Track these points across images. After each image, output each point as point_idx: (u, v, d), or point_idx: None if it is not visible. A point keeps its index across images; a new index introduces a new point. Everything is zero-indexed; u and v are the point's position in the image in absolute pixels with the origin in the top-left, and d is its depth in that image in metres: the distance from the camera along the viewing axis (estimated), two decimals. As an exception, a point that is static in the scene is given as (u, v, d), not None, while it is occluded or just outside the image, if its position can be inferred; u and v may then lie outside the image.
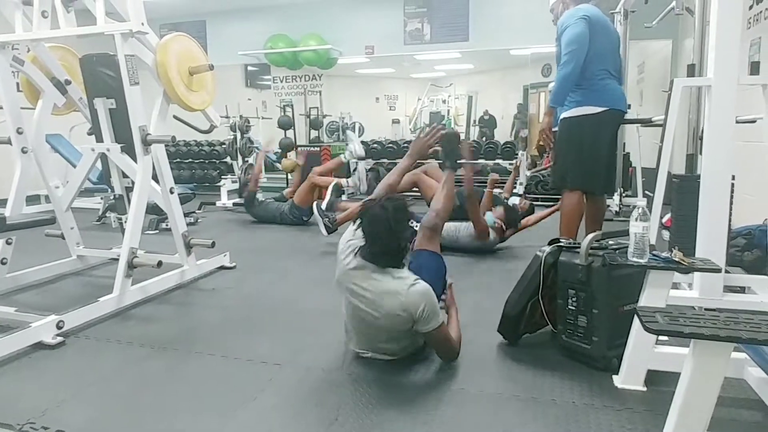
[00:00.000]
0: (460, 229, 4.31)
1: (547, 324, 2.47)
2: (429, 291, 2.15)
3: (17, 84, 3.62)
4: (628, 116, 3.88)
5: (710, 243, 2.47)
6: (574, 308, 2.27)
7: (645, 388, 2.07)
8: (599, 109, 3.31)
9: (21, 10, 3.25)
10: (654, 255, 1.98)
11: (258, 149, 8.25)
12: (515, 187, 6.65)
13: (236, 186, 7.56)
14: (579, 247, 2.25)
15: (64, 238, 3.79)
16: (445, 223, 4.33)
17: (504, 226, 4.33)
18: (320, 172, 5.69)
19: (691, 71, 3.18)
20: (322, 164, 6.22)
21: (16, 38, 3.24)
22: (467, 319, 2.87)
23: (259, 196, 6.09)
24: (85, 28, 3.17)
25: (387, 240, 2.14)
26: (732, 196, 2.57)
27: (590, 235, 2.23)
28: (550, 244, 2.42)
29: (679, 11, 3.97)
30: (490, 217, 4.30)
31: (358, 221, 2.22)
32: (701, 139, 3.02)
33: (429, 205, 5.53)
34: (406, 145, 8.18)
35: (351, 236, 2.29)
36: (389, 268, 2.18)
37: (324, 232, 4.56)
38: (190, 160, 8.85)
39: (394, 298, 2.11)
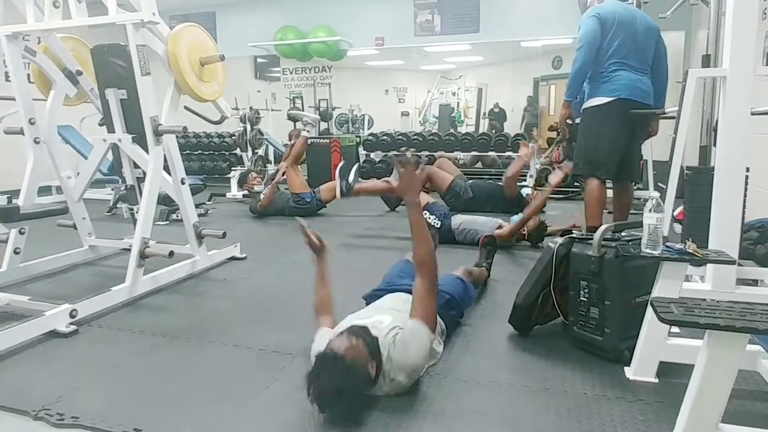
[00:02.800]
0: (477, 229, 4.24)
1: (559, 315, 2.47)
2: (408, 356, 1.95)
3: (28, 75, 3.63)
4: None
5: (723, 235, 2.45)
6: (586, 300, 2.26)
7: (657, 380, 2.06)
8: (607, 100, 3.51)
9: (33, 1, 3.25)
10: (667, 247, 1.97)
11: (267, 141, 8.25)
12: (523, 179, 6.63)
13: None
14: (591, 239, 2.24)
15: (76, 229, 3.82)
16: (463, 218, 4.32)
17: (525, 236, 4.20)
18: (293, 156, 5.71)
19: (706, 62, 3.15)
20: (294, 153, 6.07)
21: (27, 28, 3.26)
22: (478, 312, 2.88)
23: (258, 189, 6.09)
24: (96, 18, 3.18)
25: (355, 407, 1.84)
26: (746, 189, 2.55)
27: (603, 227, 2.22)
28: (562, 235, 2.41)
29: (694, 1, 3.92)
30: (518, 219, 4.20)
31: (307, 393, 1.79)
32: (715, 130, 3.00)
33: (442, 198, 5.55)
34: (415, 137, 8.15)
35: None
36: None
37: (337, 193, 4.72)
38: (200, 151, 8.87)
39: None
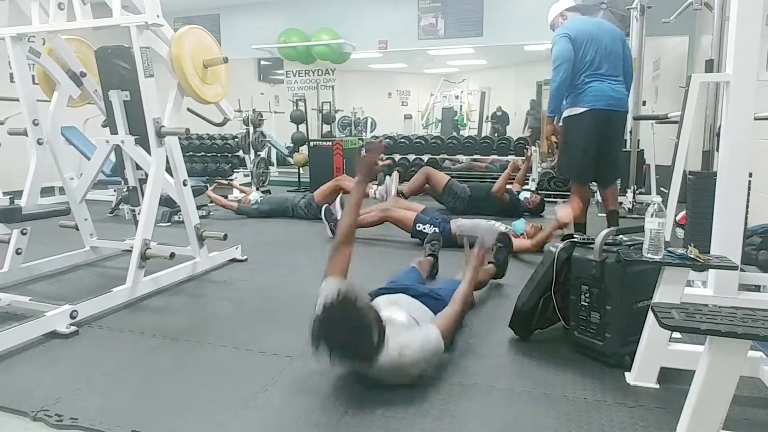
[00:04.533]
0: (479, 237, 4.25)
1: (560, 320, 2.46)
2: (420, 347, 2.02)
3: (33, 76, 3.64)
4: (643, 112, 4.16)
5: (726, 241, 2.44)
6: (587, 304, 2.25)
7: (658, 386, 2.05)
8: (581, 110, 3.80)
9: (38, 2, 3.25)
10: (669, 252, 1.97)
11: (270, 143, 8.25)
12: (527, 182, 6.64)
13: (248, 179, 7.60)
14: (593, 243, 2.23)
15: (77, 230, 3.82)
16: (462, 222, 4.31)
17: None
18: (345, 187, 5.61)
19: (710, 67, 3.15)
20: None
21: (32, 30, 3.26)
22: (479, 316, 2.87)
23: (253, 197, 6.07)
24: (101, 20, 3.19)
25: (357, 353, 1.92)
26: (749, 194, 2.54)
27: (604, 231, 2.21)
28: (563, 239, 2.40)
29: (698, 6, 3.93)
30: (522, 224, 4.29)
31: (313, 340, 1.88)
32: (718, 135, 3.00)
33: (438, 200, 5.52)
34: (418, 140, 8.16)
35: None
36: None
37: (329, 233, 4.71)
38: (203, 153, 8.87)
39: (395, 370, 2.00)
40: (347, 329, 1.84)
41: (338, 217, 4.70)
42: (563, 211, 3.86)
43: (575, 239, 2.37)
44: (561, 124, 4.00)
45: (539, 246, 3.88)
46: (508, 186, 5.64)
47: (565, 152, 4.02)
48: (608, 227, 2.29)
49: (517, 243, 3.96)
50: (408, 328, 2.10)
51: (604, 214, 4.36)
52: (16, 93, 3.38)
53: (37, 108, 3.44)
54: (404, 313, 2.16)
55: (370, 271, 3.60)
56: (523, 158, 6.56)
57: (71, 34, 3.62)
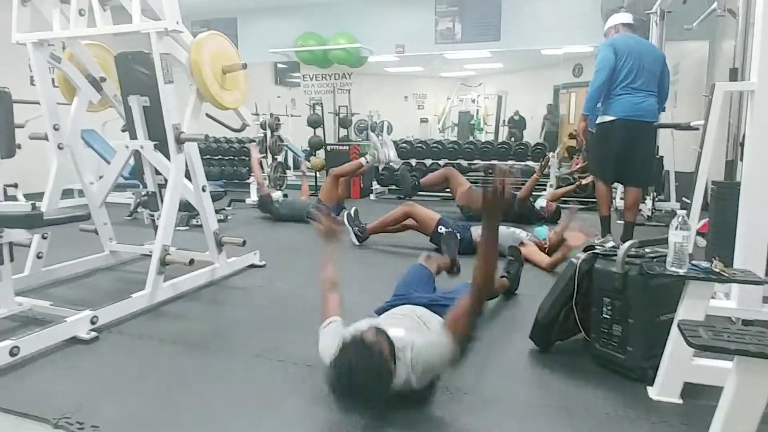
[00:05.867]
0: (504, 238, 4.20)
1: (580, 332, 2.43)
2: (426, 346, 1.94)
3: (53, 79, 3.67)
4: (663, 118, 4.64)
5: (749, 252, 2.41)
6: (608, 317, 2.22)
7: (681, 401, 2.02)
8: (611, 118, 4.21)
9: (59, 9, 3.30)
10: (693, 265, 1.93)
11: (288, 147, 8.29)
12: (544, 189, 6.61)
13: (266, 183, 7.62)
14: (615, 255, 2.20)
15: (97, 234, 3.85)
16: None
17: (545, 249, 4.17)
18: (338, 172, 5.69)
19: (734, 75, 3.10)
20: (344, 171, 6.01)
21: (53, 36, 3.30)
22: (499, 326, 2.85)
23: (276, 196, 6.13)
24: (121, 26, 3.22)
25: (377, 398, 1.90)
26: (774, 205, 2.50)
27: (627, 243, 2.18)
28: (585, 251, 2.38)
29: (721, 12, 3.88)
30: (544, 231, 4.26)
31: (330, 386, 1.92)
32: (742, 145, 2.96)
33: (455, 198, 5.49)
34: (435, 145, 8.14)
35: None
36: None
37: (355, 241, 4.63)
38: (220, 156, 8.93)
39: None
40: (370, 373, 1.79)
41: (350, 227, 4.63)
42: (575, 240, 3.77)
43: (597, 251, 2.35)
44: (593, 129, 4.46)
45: (552, 267, 3.81)
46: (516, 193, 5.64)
47: (594, 153, 4.64)
48: (622, 238, 2.28)
49: (534, 253, 3.95)
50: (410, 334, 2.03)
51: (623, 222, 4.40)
52: (36, 96, 3.42)
53: (58, 112, 3.47)
54: (402, 330, 2.06)
55: (381, 281, 3.59)
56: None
57: (91, 40, 3.65)
